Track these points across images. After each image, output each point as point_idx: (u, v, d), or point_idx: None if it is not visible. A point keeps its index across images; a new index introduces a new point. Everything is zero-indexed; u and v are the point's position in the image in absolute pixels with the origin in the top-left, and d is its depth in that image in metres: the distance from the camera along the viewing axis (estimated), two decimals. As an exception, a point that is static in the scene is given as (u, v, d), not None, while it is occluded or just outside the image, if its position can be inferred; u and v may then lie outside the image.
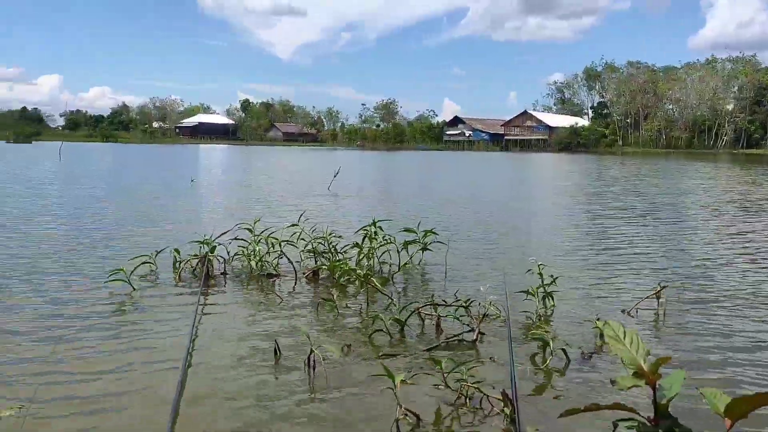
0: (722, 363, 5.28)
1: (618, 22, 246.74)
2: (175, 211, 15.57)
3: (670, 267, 9.24)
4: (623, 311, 6.70)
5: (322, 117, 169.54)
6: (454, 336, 5.79)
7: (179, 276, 8.05)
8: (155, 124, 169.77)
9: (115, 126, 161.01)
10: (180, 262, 8.36)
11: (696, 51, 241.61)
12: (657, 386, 2.31)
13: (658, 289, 6.73)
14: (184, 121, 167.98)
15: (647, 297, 6.79)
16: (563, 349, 5.33)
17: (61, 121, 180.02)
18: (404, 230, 9.03)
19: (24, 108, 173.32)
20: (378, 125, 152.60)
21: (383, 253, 8.79)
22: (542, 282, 6.75)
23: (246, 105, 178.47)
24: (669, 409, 2.29)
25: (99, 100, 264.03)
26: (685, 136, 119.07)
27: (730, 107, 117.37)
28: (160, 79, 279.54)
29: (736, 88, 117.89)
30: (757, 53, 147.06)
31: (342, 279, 7.76)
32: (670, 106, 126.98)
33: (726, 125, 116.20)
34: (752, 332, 6.10)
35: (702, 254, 10.41)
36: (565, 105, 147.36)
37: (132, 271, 7.45)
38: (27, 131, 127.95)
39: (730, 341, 5.82)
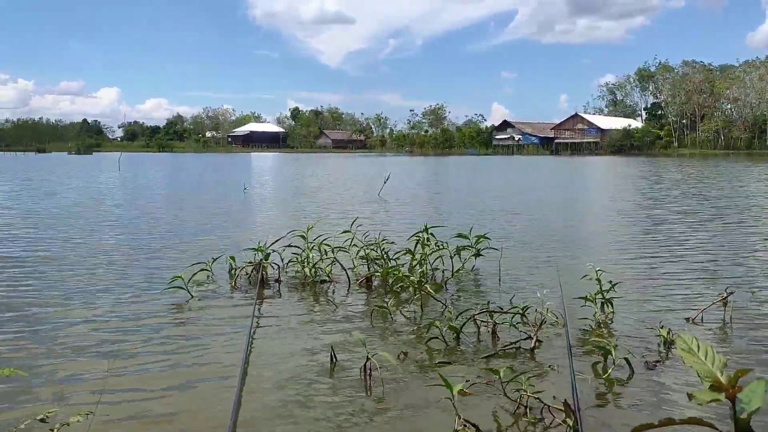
0: (797, 374, 5.03)
1: (672, 20, 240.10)
2: (230, 220, 15.88)
3: (735, 273, 8.88)
4: (687, 319, 6.46)
5: (371, 123, 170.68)
6: (511, 344, 5.68)
7: (235, 283, 8.18)
8: (208, 134, 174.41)
9: (170, 136, 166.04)
10: (235, 270, 8.51)
11: (755, 48, 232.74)
12: (736, 400, 2.20)
13: (725, 295, 6.46)
14: (236, 130, 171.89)
15: (713, 303, 6.54)
16: (626, 359, 5.16)
17: (119, 132, 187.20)
18: (457, 236, 8.97)
19: (85, 120, 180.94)
20: (426, 131, 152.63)
21: (436, 259, 8.72)
22: (600, 288, 6.58)
23: (295, 113, 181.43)
24: (750, 424, 2.18)
25: (155, 111, 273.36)
26: (745, 136, 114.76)
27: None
28: (213, 89, 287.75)
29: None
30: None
31: (395, 285, 7.75)
32: (728, 106, 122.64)
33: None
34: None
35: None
36: (617, 106, 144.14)
37: (190, 279, 7.61)
38: (87, 143, 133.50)
39: (804, 351, 5.54)
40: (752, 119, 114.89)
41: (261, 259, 8.42)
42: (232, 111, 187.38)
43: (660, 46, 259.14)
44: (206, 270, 8.41)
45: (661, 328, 5.77)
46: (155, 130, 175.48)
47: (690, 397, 2.22)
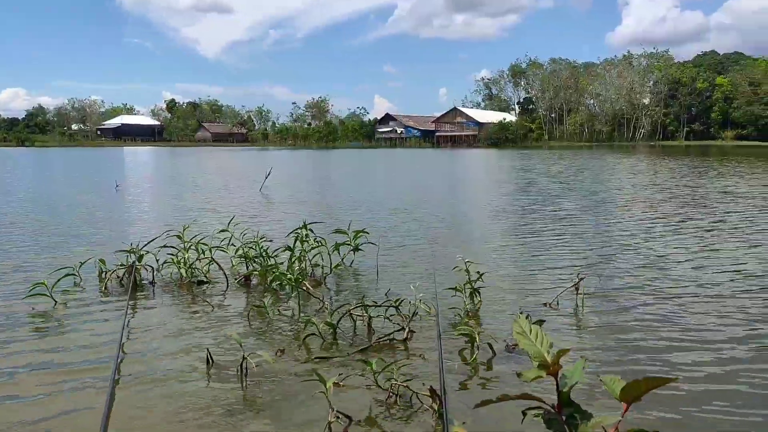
0: (633, 351, 5.64)
1: (541, 19, 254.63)
2: (100, 220, 15.09)
3: (593, 259, 9.71)
4: (545, 304, 7.04)
5: (252, 116, 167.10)
6: (385, 336, 5.93)
7: (105, 287, 7.87)
8: (75, 126, 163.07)
9: (31, 129, 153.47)
10: (106, 273, 8.18)
11: (614, 47, 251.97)
12: (560, 376, 2.53)
13: (577, 281, 7.10)
14: (106, 122, 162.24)
15: (566, 289, 7.16)
16: (489, 344, 5.57)
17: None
18: (335, 231, 9.14)
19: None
20: (309, 124, 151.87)
21: (315, 255, 8.85)
22: (469, 278, 7.01)
23: (172, 105, 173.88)
24: (570, 396, 2.51)
25: (12, 102, 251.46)
26: (606, 129, 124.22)
27: (646, 101, 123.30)
28: (79, 79, 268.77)
29: (652, 82, 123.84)
30: (670, 48, 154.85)
31: (274, 284, 7.79)
32: (591, 101, 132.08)
33: (643, 118, 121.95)
34: (665, 321, 6.52)
35: (623, 245, 10.97)
36: (493, 101, 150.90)
37: (54, 285, 7.24)
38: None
39: (642, 330, 6.21)
40: (612, 114, 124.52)
41: (133, 261, 8.15)
42: (102, 102, 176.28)
43: (531, 43, 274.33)
44: (73, 275, 8.02)
45: (521, 313, 6.26)
46: (13, 122, 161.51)
47: (519, 375, 2.52)
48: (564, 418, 2.50)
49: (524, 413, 2.53)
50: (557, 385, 2.44)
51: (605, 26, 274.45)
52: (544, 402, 2.46)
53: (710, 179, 27.10)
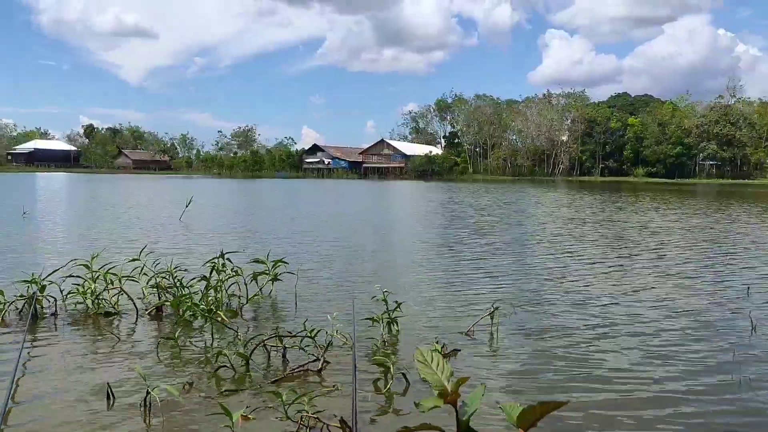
0: (543, 379, 5.76)
1: (467, 56, 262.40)
2: (2, 249, 14.20)
3: (512, 290, 9.91)
4: (462, 333, 7.10)
5: (176, 144, 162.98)
6: (300, 366, 5.81)
7: (2, 319, 7.36)
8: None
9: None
10: (3, 304, 7.65)
11: (535, 86, 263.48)
12: (459, 404, 2.51)
13: (492, 310, 7.22)
14: (18, 147, 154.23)
15: (481, 318, 7.27)
16: (403, 373, 5.55)
17: None
18: (254, 261, 8.95)
19: None
20: (236, 153, 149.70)
21: (231, 284, 8.62)
22: (387, 308, 6.99)
23: (90, 130, 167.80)
24: (470, 425, 2.50)
25: None
26: (528, 164, 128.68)
27: (564, 138, 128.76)
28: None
29: (569, 120, 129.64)
30: (586, 89, 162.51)
31: (187, 314, 7.51)
32: (514, 137, 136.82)
33: (562, 154, 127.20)
34: (576, 350, 6.71)
35: (541, 277, 11.28)
36: (420, 134, 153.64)
37: (-57, 317, 6.71)
38: None
39: (554, 359, 6.36)
40: (533, 149, 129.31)
41: (34, 292, 7.67)
42: (14, 126, 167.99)
43: (456, 79, 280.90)
44: (-34, 306, 7.46)
45: (437, 342, 6.29)
46: None
47: (416, 405, 2.49)
48: (463, 446, 2.47)
49: (424, 443, 2.50)
50: (456, 413, 2.43)
51: (527, 66, 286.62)
52: (444, 431, 2.43)
53: (627, 213, 28.47)
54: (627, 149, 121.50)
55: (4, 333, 6.93)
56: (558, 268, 12.07)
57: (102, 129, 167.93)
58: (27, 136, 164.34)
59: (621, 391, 5.40)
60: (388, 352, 6.41)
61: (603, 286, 10.17)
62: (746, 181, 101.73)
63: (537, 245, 16.26)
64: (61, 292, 8.22)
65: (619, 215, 27.05)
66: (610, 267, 12.38)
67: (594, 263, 12.86)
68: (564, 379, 5.68)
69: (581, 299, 9.11)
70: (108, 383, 5.07)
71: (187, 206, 23.17)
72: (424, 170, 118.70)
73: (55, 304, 7.90)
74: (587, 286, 10.21)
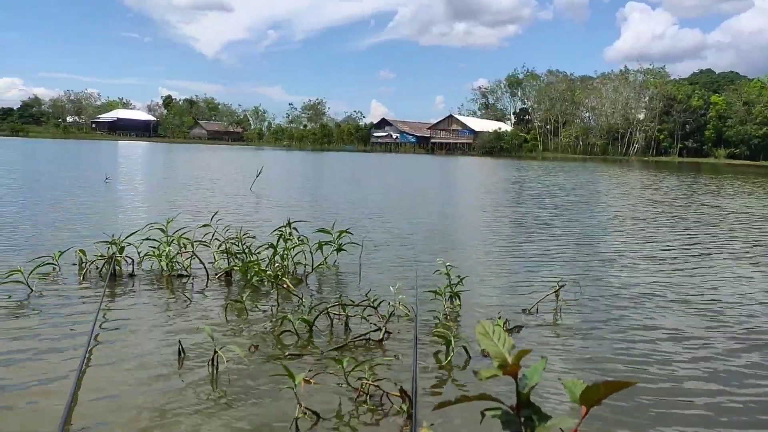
0: (606, 358, 5.63)
1: (540, 31, 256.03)
2: (86, 211, 14.97)
3: (578, 269, 9.70)
4: (524, 310, 7.01)
5: (248, 116, 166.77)
6: (361, 335, 5.89)
7: (83, 277, 7.78)
8: (69, 119, 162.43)
9: (26, 119, 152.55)
10: (85, 263, 8.09)
11: (611, 62, 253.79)
12: (520, 377, 2.49)
13: (556, 288, 7.08)
14: (101, 116, 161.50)
15: (546, 296, 7.14)
16: (464, 347, 5.53)
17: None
18: (319, 230, 9.10)
19: None
20: (305, 125, 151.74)
21: (297, 253, 8.80)
22: (450, 282, 6.98)
23: (168, 101, 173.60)
24: (530, 397, 2.47)
25: (7, 91, 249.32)
26: (601, 143, 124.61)
27: (641, 116, 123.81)
28: (75, 72, 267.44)
29: (647, 98, 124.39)
30: (666, 65, 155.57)
31: (254, 280, 7.73)
32: (587, 114, 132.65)
33: (637, 133, 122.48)
34: (638, 326, 6.51)
35: (603, 253, 10.98)
36: (489, 110, 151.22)
37: (31, 272, 7.16)
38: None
39: (617, 338, 6.20)
40: (607, 127, 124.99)
41: (113, 252, 8.07)
42: (98, 95, 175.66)
43: (529, 54, 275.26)
44: (52, 263, 7.94)
45: (499, 318, 6.24)
46: (8, 112, 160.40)
47: (475, 374, 2.48)
48: (522, 419, 2.45)
49: (483, 414, 2.49)
50: (517, 386, 2.39)
51: (603, 41, 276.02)
52: (503, 403, 2.41)
53: (701, 195, 27.23)
54: (708, 129, 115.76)
55: (85, 290, 7.33)
56: (632, 252, 11.69)
57: (179, 100, 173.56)
58: (110, 106, 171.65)
59: (686, 376, 5.21)
60: (450, 325, 6.40)
61: (679, 272, 9.79)
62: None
63: (611, 226, 15.79)
64: (138, 253, 8.61)
65: (705, 198, 25.89)
66: (689, 253, 11.89)
67: (672, 249, 12.38)
68: (625, 359, 5.53)
69: (653, 282, 8.80)
70: (180, 341, 5.29)
71: (257, 176, 23.73)
72: (492, 147, 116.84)
73: (133, 265, 8.29)
74: (662, 270, 9.84)
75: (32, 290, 7.02)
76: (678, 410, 4.53)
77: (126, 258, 8.29)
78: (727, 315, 7.13)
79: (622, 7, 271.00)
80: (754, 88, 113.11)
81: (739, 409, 4.60)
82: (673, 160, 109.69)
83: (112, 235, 8.47)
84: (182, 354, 5.20)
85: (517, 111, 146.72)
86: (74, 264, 8.27)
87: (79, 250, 8.29)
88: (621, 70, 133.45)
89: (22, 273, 6.96)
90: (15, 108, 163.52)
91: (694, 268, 9.97)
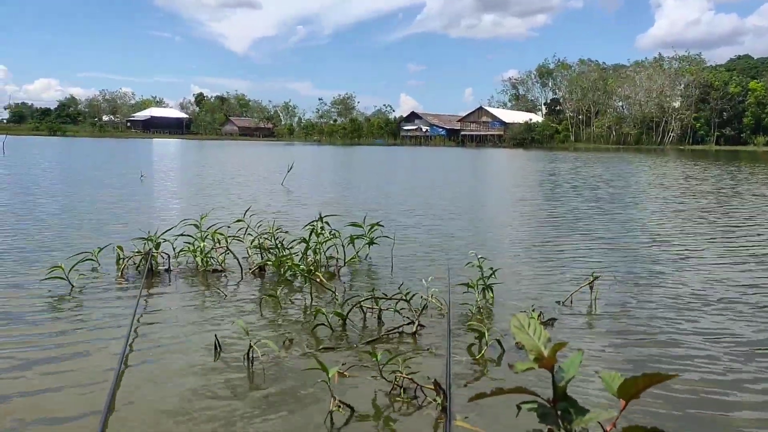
0: (642, 352, 5.54)
1: (571, 20, 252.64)
2: (123, 208, 15.29)
3: (611, 261, 9.56)
4: (558, 302, 6.94)
5: (279, 111, 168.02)
6: (395, 328, 5.90)
7: (122, 273, 7.95)
8: (105, 118, 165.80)
9: (63, 119, 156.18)
10: (123, 259, 8.26)
11: (644, 50, 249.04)
12: (556, 370, 2.46)
13: (591, 280, 6.99)
14: (136, 114, 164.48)
15: (580, 287, 7.05)
16: (498, 340, 5.50)
17: (5, 114, 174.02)
18: (351, 224, 9.13)
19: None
20: (335, 120, 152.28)
21: (329, 247, 8.85)
22: (482, 275, 6.94)
23: (200, 99, 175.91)
24: (567, 391, 2.45)
25: (45, 92, 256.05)
26: (634, 132, 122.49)
27: (676, 104, 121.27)
28: (110, 71, 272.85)
29: (683, 85, 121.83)
30: (702, 52, 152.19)
31: (287, 274, 7.80)
32: (620, 104, 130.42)
33: (672, 122, 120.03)
34: (676, 321, 6.39)
35: (641, 247, 10.80)
36: (520, 101, 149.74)
37: (71, 268, 7.33)
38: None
39: (653, 331, 6.09)
40: (641, 116, 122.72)
41: (150, 248, 8.22)
42: (132, 94, 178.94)
43: (559, 44, 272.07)
44: (91, 259, 8.12)
45: (533, 310, 6.18)
46: (46, 112, 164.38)
47: (511, 367, 2.46)
48: (559, 412, 2.44)
49: (519, 407, 2.48)
50: (553, 379, 2.38)
51: (636, 28, 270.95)
52: (539, 396, 2.41)
53: (746, 185, 26.56)
54: (747, 116, 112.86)
55: (123, 286, 7.49)
56: (672, 246, 11.47)
57: (211, 97, 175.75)
58: (144, 104, 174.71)
59: (723, 371, 5.09)
60: (483, 318, 6.38)
61: (718, 266, 9.58)
62: None
63: (650, 219, 15.51)
64: (174, 249, 8.76)
65: (749, 188, 25.26)
66: (728, 247, 11.62)
67: (713, 242, 12.11)
68: (663, 354, 5.44)
69: (690, 277, 8.63)
70: (216, 335, 5.38)
71: (288, 171, 23.92)
72: (523, 138, 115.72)
73: (169, 261, 8.43)
74: (700, 264, 9.63)
75: (73, 286, 7.20)
76: (715, 411, 4.43)
77: (162, 254, 8.44)
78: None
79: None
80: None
81: (783, 403, 4.49)
82: (710, 148, 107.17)
83: (148, 232, 8.63)
84: (218, 348, 5.28)
85: (548, 101, 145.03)
86: (113, 260, 8.44)
87: (117, 247, 8.47)
88: (655, 58, 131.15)
89: (62, 269, 7.14)
90: (52, 108, 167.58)
91: (738, 266, 9.73)
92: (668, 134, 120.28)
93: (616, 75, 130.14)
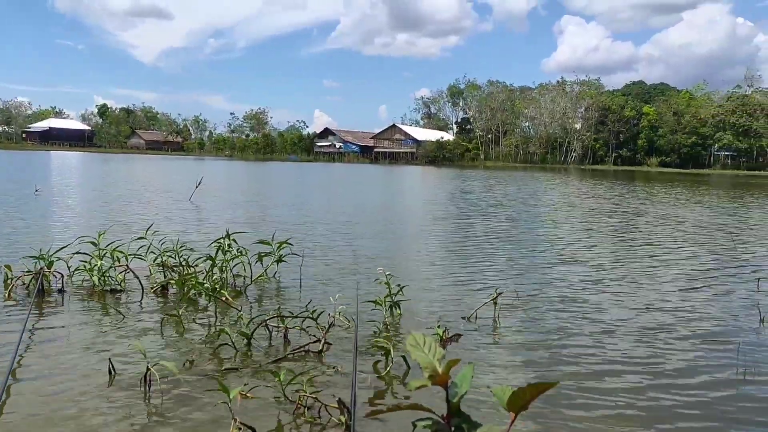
0: (542, 364, 5.75)
1: (481, 42, 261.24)
2: (14, 225, 14.32)
3: (515, 277, 9.88)
4: (464, 318, 7.09)
5: (189, 125, 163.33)
6: (300, 347, 5.83)
7: (9, 294, 7.44)
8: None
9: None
10: (11, 279, 7.73)
11: (549, 73, 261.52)
12: (449, 386, 2.51)
13: (495, 296, 7.20)
14: (33, 125, 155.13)
15: (484, 304, 7.25)
16: (403, 356, 5.55)
17: None
18: (259, 242, 8.98)
19: None
20: (248, 135, 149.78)
21: (236, 265, 8.65)
22: (389, 291, 6.99)
23: (104, 110, 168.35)
24: (460, 406, 2.50)
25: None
26: (540, 151, 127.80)
27: (578, 126, 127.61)
28: (4, 79, 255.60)
29: (583, 108, 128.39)
30: (601, 77, 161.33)
31: (191, 293, 7.56)
32: (527, 124, 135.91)
33: (574, 142, 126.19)
34: (574, 332, 6.69)
35: (548, 265, 11.24)
36: (432, 119, 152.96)
37: (-49, 290, 6.78)
38: None
39: (554, 345, 6.35)
40: (546, 137, 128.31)
41: (41, 268, 7.74)
42: (28, 104, 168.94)
43: (470, 64, 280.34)
44: (-26, 280, 7.55)
45: (438, 327, 6.29)
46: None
47: (405, 385, 2.50)
48: (453, 428, 2.47)
49: (414, 424, 2.50)
50: (447, 395, 2.42)
51: (541, 52, 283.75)
52: (434, 412, 2.44)
53: (640, 201, 28.26)
54: (641, 138, 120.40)
55: (10, 308, 7.00)
56: (566, 258, 12.01)
57: (116, 109, 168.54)
58: (42, 115, 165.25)
59: (618, 378, 5.38)
60: (390, 335, 6.42)
61: (608, 277, 10.12)
62: (762, 172, 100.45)
63: (546, 234, 16.18)
64: (69, 268, 8.30)
65: (633, 204, 26.87)
66: (617, 258, 12.30)
67: (601, 252, 12.79)
68: (563, 362, 5.67)
69: (593, 295, 9.06)
70: (110, 358, 5.11)
71: (196, 187, 23.27)
72: (434, 156, 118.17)
73: (62, 281, 7.97)
74: (604, 282, 10.14)
75: (-49, 309, 6.66)
76: (611, 410, 4.66)
77: (55, 273, 7.97)
78: (660, 315, 7.41)
79: (559, 19, 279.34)
80: (683, 99, 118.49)
81: (668, 407, 4.77)
82: (609, 167, 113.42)
83: (40, 250, 8.13)
84: (113, 372, 5.02)
85: (459, 120, 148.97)
86: (0, 281, 7.88)
87: (5, 266, 7.92)
88: (558, 81, 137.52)
89: (-60, 291, 6.59)
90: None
91: (629, 273, 10.30)
92: (571, 154, 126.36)
93: (522, 96, 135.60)
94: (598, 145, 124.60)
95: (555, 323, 7.03)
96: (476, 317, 7.09)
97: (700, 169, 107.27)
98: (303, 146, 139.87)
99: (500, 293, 7.28)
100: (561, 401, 4.74)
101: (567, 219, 20.17)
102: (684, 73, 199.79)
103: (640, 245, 13.88)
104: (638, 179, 63.36)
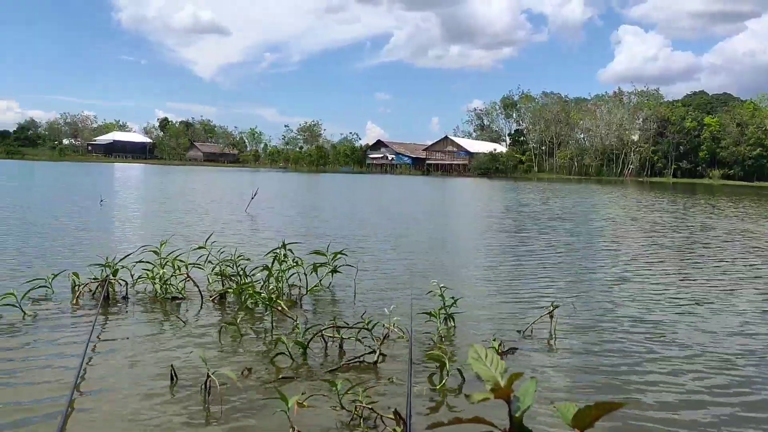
0: (600, 381, 5.60)
1: (535, 53, 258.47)
2: (81, 234, 14.93)
3: (572, 290, 9.69)
4: (519, 331, 6.98)
5: (244, 137, 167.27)
6: (356, 358, 5.86)
7: (76, 301, 7.74)
8: (66, 141, 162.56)
9: (22, 142, 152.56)
10: (78, 286, 8.05)
11: (605, 84, 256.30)
12: (512, 400, 2.48)
13: (551, 309, 7.06)
14: (98, 138, 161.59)
15: (540, 317, 7.12)
16: (459, 369, 5.50)
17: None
18: (314, 252, 9.08)
19: None
20: (301, 147, 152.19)
21: (291, 275, 8.77)
22: (444, 304, 6.96)
23: (164, 123, 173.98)
24: (523, 421, 2.46)
25: (4, 114, 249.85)
26: (595, 163, 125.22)
27: (635, 137, 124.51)
28: (72, 94, 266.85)
29: (641, 119, 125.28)
30: (660, 87, 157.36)
31: (248, 302, 7.70)
32: (581, 135, 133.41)
33: (632, 154, 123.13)
34: (636, 353, 6.49)
35: (606, 279, 10.97)
36: (485, 131, 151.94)
37: (23, 296, 7.11)
38: None
39: (612, 360, 6.18)
40: (602, 148, 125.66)
41: (107, 275, 8.03)
42: (94, 118, 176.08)
43: (524, 76, 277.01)
44: (45, 287, 7.89)
45: (494, 340, 6.21)
46: (4, 135, 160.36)
47: (467, 397, 2.47)
48: (515, 442, 2.43)
49: (475, 437, 2.47)
50: (509, 409, 2.38)
51: (597, 63, 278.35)
52: (496, 426, 2.40)
53: (706, 215, 27.31)
54: (702, 150, 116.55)
55: (78, 313, 7.28)
56: (625, 272, 11.69)
57: (176, 122, 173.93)
58: (106, 128, 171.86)
59: (679, 394, 5.18)
60: (444, 347, 6.37)
61: (670, 291, 9.79)
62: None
63: (608, 249, 15.80)
64: (132, 276, 8.57)
65: (699, 218, 25.98)
66: (679, 273, 11.90)
67: (666, 269, 12.39)
68: (622, 381, 5.51)
69: (646, 304, 8.79)
70: (172, 365, 5.25)
71: (252, 198, 23.74)
72: (487, 168, 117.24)
73: (126, 288, 8.24)
74: (654, 291, 9.84)
75: (25, 313, 6.97)
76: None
77: (119, 281, 8.25)
78: (726, 343, 7.12)
79: (616, 29, 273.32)
80: (747, 110, 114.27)
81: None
82: (668, 180, 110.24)
83: (106, 258, 8.43)
84: (174, 378, 5.16)
85: (513, 132, 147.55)
86: (68, 287, 8.22)
87: (72, 273, 8.26)
88: (615, 92, 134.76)
89: (14, 296, 6.92)
90: (11, 131, 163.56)
91: (693, 294, 9.95)
92: (627, 166, 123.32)
93: (578, 108, 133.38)
94: (656, 157, 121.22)
95: (619, 345, 6.78)
96: (532, 331, 6.97)
97: (766, 182, 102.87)
98: (355, 158, 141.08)
99: (556, 306, 7.13)
100: (620, 422, 4.59)
101: (629, 233, 19.66)
102: (748, 82, 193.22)
103: (711, 262, 13.30)
104: (700, 192, 61.28)
